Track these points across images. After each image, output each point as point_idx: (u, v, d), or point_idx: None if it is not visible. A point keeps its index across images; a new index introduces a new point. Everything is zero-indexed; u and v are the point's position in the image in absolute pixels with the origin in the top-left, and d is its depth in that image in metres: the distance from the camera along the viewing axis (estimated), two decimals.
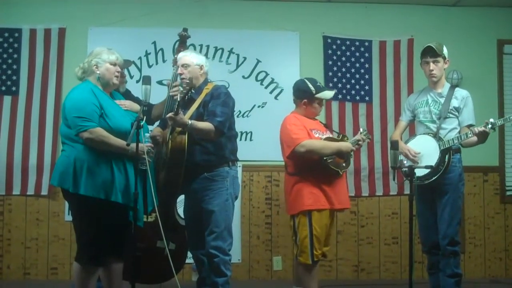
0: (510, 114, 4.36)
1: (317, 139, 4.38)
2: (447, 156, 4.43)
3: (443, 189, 4.48)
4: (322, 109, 4.65)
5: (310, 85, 4.44)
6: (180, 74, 4.29)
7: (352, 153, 4.55)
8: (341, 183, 4.47)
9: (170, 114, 3.88)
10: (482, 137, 4.33)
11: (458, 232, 4.57)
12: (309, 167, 4.33)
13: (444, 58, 4.58)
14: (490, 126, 4.22)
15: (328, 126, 4.85)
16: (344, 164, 4.44)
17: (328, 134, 4.57)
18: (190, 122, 3.97)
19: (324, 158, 4.31)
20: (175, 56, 4.61)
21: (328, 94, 4.54)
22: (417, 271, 5.81)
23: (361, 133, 4.61)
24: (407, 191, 5.66)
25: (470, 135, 4.34)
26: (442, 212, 4.48)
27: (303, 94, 4.46)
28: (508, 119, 4.31)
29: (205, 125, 4.06)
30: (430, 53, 4.56)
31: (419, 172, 4.41)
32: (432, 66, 4.56)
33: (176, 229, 4.45)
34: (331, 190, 4.36)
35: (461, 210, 4.66)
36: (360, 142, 4.56)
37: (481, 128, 4.25)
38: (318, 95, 4.45)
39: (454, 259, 4.48)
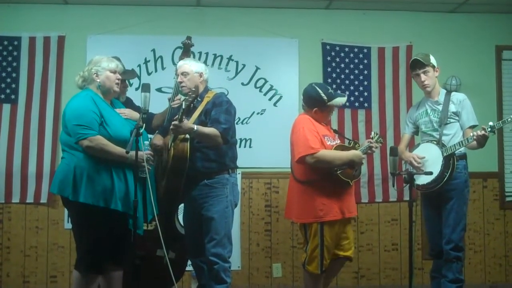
0: (507, 116, 4.38)
1: (330, 147, 4.34)
2: (451, 162, 4.44)
3: (449, 195, 4.50)
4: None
5: (322, 94, 4.36)
6: (180, 82, 4.30)
7: (363, 161, 4.52)
8: (350, 192, 4.45)
9: (174, 123, 3.88)
10: (482, 141, 4.34)
11: (463, 238, 4.59)
12: (319, 175, 4.30)
13: (433, 66, 4.62)
14: (489, 129, 4.23)
15: (338, 132, 4.80)
16: (354, 174, 4.40)
17: (338, 140, 4.54)
18: (196, 127, 3.98)
19: (335, 168, 4.29)
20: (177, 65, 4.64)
21: (340, 100, 4.47)
22: (417, 277, 5.81)
23: (372, 137, 4.55)
24: (406, 197, 5.66)
25: (471, 140, 4.35)
26: (447, 218, 4.51)
27: (315, 103, 4.40)
28: (506, 121, 4.32)
29: (211, 130, 4.08)
30: (418, 65, 4.61)
31: (424, 180, 4.42)
32: (423, 77, 4.61)
33: (176, 238, 4.44)
34: (341, 199, 4.34)
35: (466, 216, 4.66)
36: (373, 149, 4.51)
37: (481, 132, 4.26)
38: (330, 103, 4.41)
39: (456, 264, 4.49)
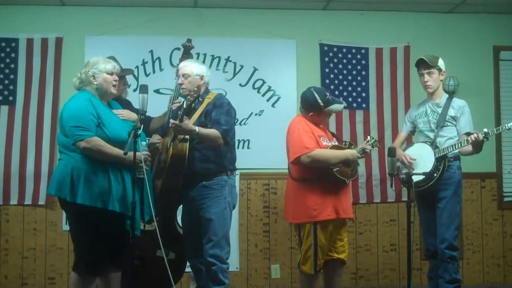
0: (505, 123, 4.40)
1: (325, 147, 4.35)
2: (442, 163, 4.47)
3: (442, 194, 4.54)
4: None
5: (318, 99, 4.38)
6: (181, 84, 4.31)
7: (359, 161, 4.52)
8: (346, 192, 4.46)
9: (175, 122, 3.89)
10: (477, 146, 4.35)
11: (457, 238, 4.60)
12: (315, 174, 4.31)
13: (440, 70, 4.64)
14: (483, 135, 4.25)
15: (335, 135, 4.79)
16: (350, 173, 4.41)
17: (335, 142, 4.54)
18: (198, 129, 4.00)
19: (330, 167, 4.29)
20: (178, 66, 4.64)
21: (337, 107, 4.50)
22: (416, 278, 5.81)
23: (368, 141, 4.54)
24: (405, 197, 5.65)
25: (464, 144, 4.38)
26: (441, 217, 4.54)
27: (311, 107, 4.42)
28: (500, 128, 4.36)
29: (212, 131, 4.10)
30: (423, 65, 4.66)
31: (414, 178, 4.43)
32: (426, 77, 4.66)
33: (176, 238, 4.44)
34: (336, 198, 4.35)
35: (460, 216, 4.68)
36: (366, 151, 4.49)
37: (475, 136, 4.28)
38: (326, 109, 4.43)
39: (452, 264, 4.51)
